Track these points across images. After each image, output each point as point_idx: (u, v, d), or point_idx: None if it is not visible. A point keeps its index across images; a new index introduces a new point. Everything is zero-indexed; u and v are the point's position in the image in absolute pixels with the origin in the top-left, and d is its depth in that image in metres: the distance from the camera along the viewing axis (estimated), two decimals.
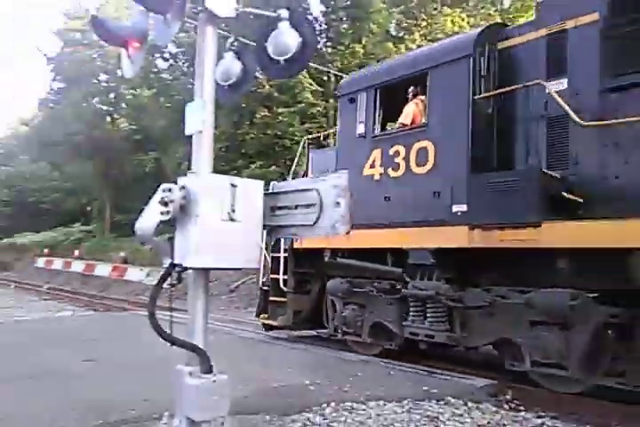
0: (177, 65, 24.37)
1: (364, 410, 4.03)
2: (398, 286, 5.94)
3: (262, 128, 18.71)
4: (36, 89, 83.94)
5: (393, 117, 6.58)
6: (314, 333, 7.62)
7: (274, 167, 17.83)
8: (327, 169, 6.67)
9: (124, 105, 28.59)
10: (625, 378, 4.32)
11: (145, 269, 8.80)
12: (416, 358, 6.02)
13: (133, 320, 9.45)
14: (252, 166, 18.40)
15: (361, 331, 6.29)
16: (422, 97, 6.16)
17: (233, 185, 2.73)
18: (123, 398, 4.11)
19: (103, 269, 10.81)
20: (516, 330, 4.87)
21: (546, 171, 4.87)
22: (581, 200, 4.69)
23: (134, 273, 9.06)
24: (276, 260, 7.31)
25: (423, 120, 6.03)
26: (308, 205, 2.70)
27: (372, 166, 6.28)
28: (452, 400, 4.31)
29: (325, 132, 8.65)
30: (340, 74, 17.52)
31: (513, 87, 5.34)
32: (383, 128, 6.55)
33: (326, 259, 6.75)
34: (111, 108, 28.91)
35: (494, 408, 4.29)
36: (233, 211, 2.71)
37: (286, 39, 3.03)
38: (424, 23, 19.40)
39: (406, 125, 6.14)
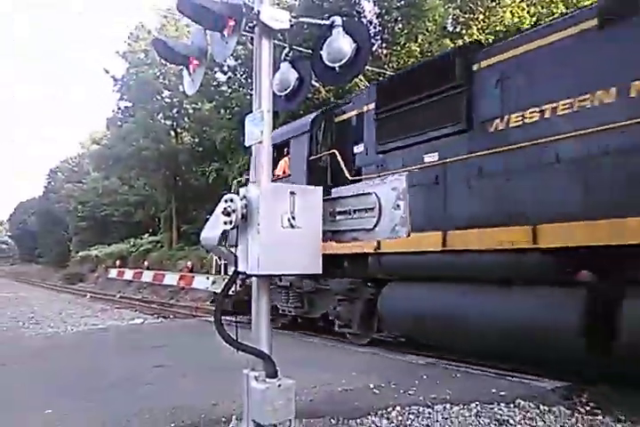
0: (235, 77, 25.00)
1: (430, 414, 3.95)
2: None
3: None
4: (106, 108, 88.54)
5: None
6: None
7: None
8: None
9: (186, 119, 29.60)
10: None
11: (211, 277, 9.02)
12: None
13: (200, 326, 9.74)
14: None
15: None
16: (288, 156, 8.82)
17: (292, 193, 2.78)
18: (192, 402, 4.22)
19: (171, 279, 11.18)
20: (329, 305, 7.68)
21: None
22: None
23: (201, 281, 9.33)
24: None
25: (288, 172, 8.63)
26: (367, 209, 2.71)
27: None
28: (523, 403, 4.15)
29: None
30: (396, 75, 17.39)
31: (324, 153, 7.92)
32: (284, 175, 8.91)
33: None
34: (175, 123, 29.99)
35: (568, 411, 4.09)
36: (293, 218, 2.76)
37: (340, 45, 3.07)
38: (481, 16, 18.92)
39: (279, 175, 8.64)
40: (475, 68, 6.10)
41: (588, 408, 4.22)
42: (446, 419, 3.85)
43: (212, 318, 9.15)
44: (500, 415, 3.91)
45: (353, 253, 6.84)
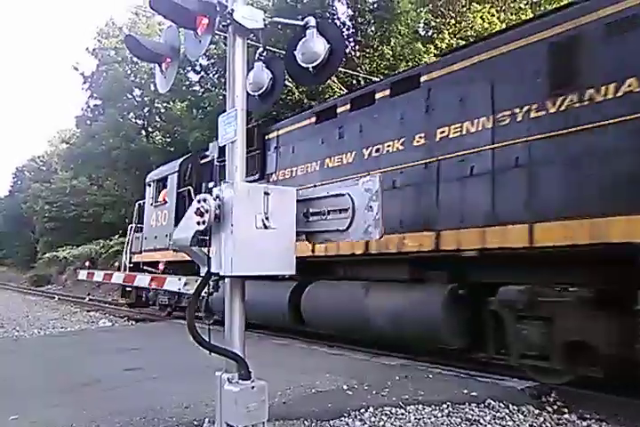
0: (207, 77, 24.83)
1: (402, 414, 3.98)
2: None
3: None
4: (75, 106, 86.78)
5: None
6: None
7: None
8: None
9: (157, 118, 29.24)
10: None
11: (183, 278, 8.91)
12: None
13: (171, 329, 9.62)
14: None
15: None
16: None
17: (266, 193, 2.77)
18: (164, 405, 4.16)
19: (143, 280, 10.96)
20: None
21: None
22: None
23: (173, 282, 9.18)
24: None
25: (166, 199, 11.77)
26: (340, 210, 2.71)
27: (154, 220, 12.43)
28: (493, 403, 4.22)
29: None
30: (368, 77, 17.48)
31: (184, 189, 11.09)
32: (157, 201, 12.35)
33: None
34: (146, 122, 29.60)
35: (537, 411, 4.18)
36: (267, 218, 2.75)
37: (314, 46, 3.07)
38: (453, 21, 19.18)
39: (160, 201, 12.03)
40: (266, 137, 9.33)
41: (555, 407, 4.33)
42: (419, 420, 3.87)
43: (184, 321, 9.02)
44: (471, 416, 3.97)
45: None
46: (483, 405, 4.21)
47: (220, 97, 23.26)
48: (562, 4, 8.13)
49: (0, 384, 5.10)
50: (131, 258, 13.52)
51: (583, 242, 4.51)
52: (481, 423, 3.80)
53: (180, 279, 8.90)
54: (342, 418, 3.86)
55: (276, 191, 2.82)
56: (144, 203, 13.47)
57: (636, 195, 4.25)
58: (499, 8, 19.07)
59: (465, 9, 18.82)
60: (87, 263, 28.13)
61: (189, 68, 25.12)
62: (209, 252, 2.88)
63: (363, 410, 4.01)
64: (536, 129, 5.14)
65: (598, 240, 4.42)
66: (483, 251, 5.32)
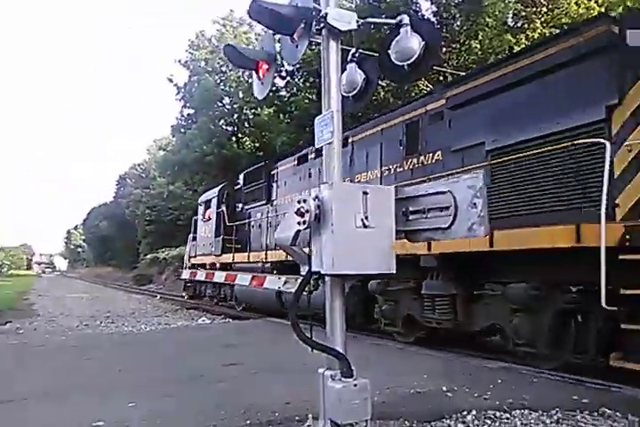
0: (293, 82, 25.34)
1: (507, 419, 3.82)
2: None
3: None
4: (170, 116, 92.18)
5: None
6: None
7: None
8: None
9: (246, 124, 30.26)
10: None
11: (282, 277, 9.17)
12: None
13: (268, 326, 9.91)
14: None
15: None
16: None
17: (364, 193, 2.79)
18: (265, 400, 4.28)
19: (243, 279, 11.43)
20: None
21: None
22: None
23: (273, 281, 9.48)
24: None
25: (211, 217, 15.70)
26: (442, 208, 2.67)
27: (203, 232, 16.73)
28: (609, 412, 3.93)
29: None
30: (456, 72, 17.05)
31: (221, 209, 15.27)
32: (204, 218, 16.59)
33: None
34: (235, 129, 30.74)
35: None
36: (366, 218, 2.76)
37: (409, 44, 3.05)
38: (545, 9, 18.24)
39: (206, 218, 16.08)
40: (271, 173, 13.08)
41: None
42: (525, 425, 3.70)
43: (280, 319, 9.32)
44: (584, 424, 3.71)
45: None
46: (596, 413, 3.93)
47: (306, 101, 23.70)
48: None
49: (115, 375, 5.50)
50: (190, 260, 17.77)
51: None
52: None
53: (279, 278, 9.19)
54: (443, 420, 3.78)
55: (374, 190, 2.83)
56: (197, 219, 17.80)
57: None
58: None
59: None
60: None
61: (275, 74, 25.75)
62: (309, 251, 2.94)
63: (465, 412, 3.90)
64: (399, 179, 7.93)
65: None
66: None
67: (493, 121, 6.38)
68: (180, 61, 31.66)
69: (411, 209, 2.88)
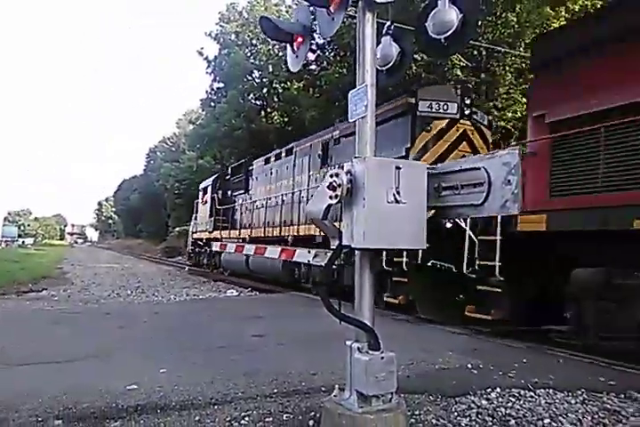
0: (324, 56, 24.99)
1: (532, 397, 3.84)
2: None
3: None
4: (200, 89, 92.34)
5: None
6: None
7: None
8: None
9: (275, 99, 30.10)
10: None
11: (312, 250, 9.27)
12: None
13: (293, 300, 10.07)
14: None
15: None
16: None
17: (397, 167, 2.78)
18: (292, 370, 4.39)
19: (273, 252, 11.67)
20: None
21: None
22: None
23: (302, 254, 9.61)
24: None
25: (207, 200, 20.47)
26: (475, 185, 2.65)
27: (202, 213, 21.43)
28: (636, 395, 3.91)
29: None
30: (491, 46, 16.54)
31: (214, 195, 19.31)
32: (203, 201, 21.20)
33: None
34: (264, 103, 30.60)
35: None
36: (398, 193, 2.76)
37: (447, 16, 2.97)
38: None
39: (204, 201, 20.83)
40: (248, 168, 17.10)
41: None
42: (550, 404, 3.71)
43: (304, 293, 9.45)
44: (610, 405, 3.70)
45: None
46: (623, 395, 3.92)
47: (336, 75, 23.36)
48: None
49: (146, 343, 5.70)
50: (192, 235, 22.87)
51: None
52: (622, 415, 3.53)
53: (309, 252, 9.33)
54: (468, 396, 3.82)
55: (406, 166, 2.81)
56: (197, 202, 22.46)
57: None
58: None
59: None
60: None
61: None
62: (340, 225, 2.96)
63: (489, 390, 3.95)
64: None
65: None
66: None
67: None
68: (210, 34, 31.44)
69: (443, 185, 2.86)
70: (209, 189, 20.09)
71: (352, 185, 2.80)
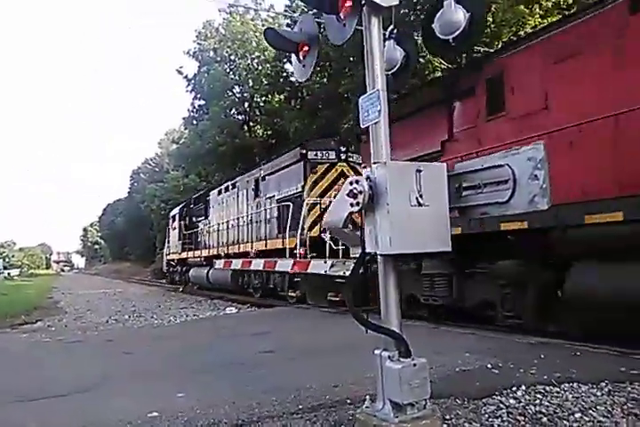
0: None
1: (558, 393, 3.79)
2: None
3: None
4: (180, 108, 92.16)
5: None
6: None
7: None
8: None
9: (257, 112, 30.17)
10: None
11: (329, 260, 9.16)
12: None
13: (293, 314, 9.98)
14: None
15: None
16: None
17: (418, 170, 2.75)
18: (311, 384, 4.29)
19: (284, 265, 11.27)
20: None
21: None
22: None
23: (318, 265, 9.45)
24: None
25: (175, 226, 24.24)
26: (498, 182, 2.63)
27: (172, 237, 25.13)
28: None
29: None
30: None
31: (180, 222, 23.46)
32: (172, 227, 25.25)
33: None
34: (247, 117, 30.66)
35: None
36: (421, 196, 2.73)
37: (454, 16, 2.98)
38: None
39: (173, 228, 24.71)
40: (207, 197, 20.54)
41: None
42: (577, 398, 3.67)
43: (306, 306, 9.34)
44: (637, 395, 3.69)
45: None
46: None
47: (317, 85, 23.49)
48: None
49: (157, 367, 5.57)
50: (165, 257, 26.40)
51: None
52: None
53: (325, 262, 9.30)
54: (494, 396, 3.76)
55: (427, 168, 2.78)
56: (169, 228, 26.13)
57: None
58: None
59: None
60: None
61: (285, 60, 25.56)
62: (362, 232, 2.92)
63: (514, 388, 3.89)
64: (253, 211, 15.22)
65: None
66: None
67: (276, 186, 13.81)
68: (188, 52, 31.53)
69: (464, 185, 2.84)
70: (177, 217, 23.86)
71: (373, 191, 2.76)
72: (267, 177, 14.34)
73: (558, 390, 3.87)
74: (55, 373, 5.50)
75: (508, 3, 16.92)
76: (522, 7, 16.79)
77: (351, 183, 2.80)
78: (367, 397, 3.28)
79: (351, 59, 20.63)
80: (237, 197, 16.61)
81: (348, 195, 2.81)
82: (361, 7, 2.99)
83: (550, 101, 5.91)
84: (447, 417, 3.38)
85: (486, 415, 3.42)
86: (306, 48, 3.23)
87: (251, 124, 30.53)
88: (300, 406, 3.79)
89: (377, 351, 3.02)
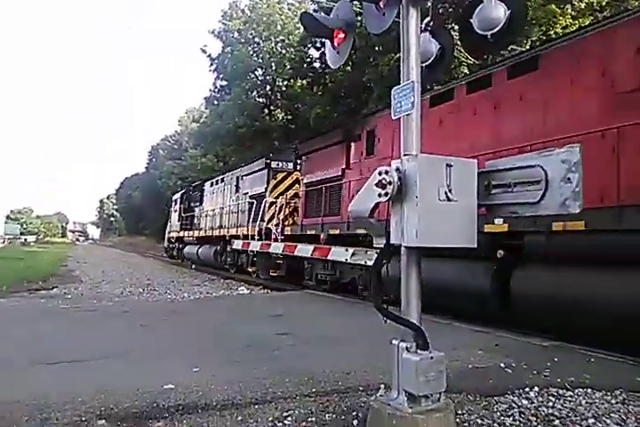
0: None
1: (571, 397, 3.80)
2: None
3: None
4: (201, 87, 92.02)
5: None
6: None
7: None
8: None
9: (279, 96, 30.06)
10: None
11: (350, 249, 9.19)
12: None
13: (306, 298, 10.05)
14: None
15: None
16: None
17: (449, 165, 2.75)
18: (324, 370, 4.35)
19: (304, 250, 11.25)
20: None
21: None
22: None
23: (339, 253, 9.50)
24: None
25: (176, 209, 28.58)
26: (529, 183, 2.61)
27: (173, 218, 29.39)
28: None
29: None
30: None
31: (181, 206, 27.23)
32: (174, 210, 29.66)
33: None
34: (268, 101, 30.58)
35: None
36: (450, 191, 2.73)
37: (493, 12, 2.94)
38: None
39: (174, 210, 28.91)
40: (203, 187, 24.48)
41: None
42: (590, 404, 3.66)
43: (320, 292, 9.36)
44: None
45: None
46: None
47: (341, 73, 23.30)
48: None
49: (174, 342, 5.68)
50: (167, 235, 30.09)
51: None
52: None
53: (347, 250, 9.37)
54: (507, 395, 3.78)
55: (458, 163, 2.78)
56: (170, 210, 29.83)
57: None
58: None
59: None
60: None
61: (310, 45, 25.35)
62: (387, 224, 2.93)
63: (527, 389, 3.91)
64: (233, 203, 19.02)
65: None
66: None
67: (250, 185, 17.32)
68: (213, 32, 31.39)
69: (493, 183, 2.83)
70: (178, 201, 27.79)
71: (402, 182, 2.77)
72: (244, 177, 17.98)
73: (572, 394, 3.87)
74: (72, 340, 5.64)
75: (539, 1, 16.56)
76: (553, 6, 16.44)
77: (380, 173, 2.80)
78: (382, 386, 3.33)
79: (377, 48, 20.41)
80: (224, 190, 20.35)
81: (376, 185, 2.82)
82: None
83: (394, 151, 8.75)
84: (459, 412, 3.42)
85: (498, 413, 3.45)
86: (341, 35, 3.21)
87: (271, 107, 30.47)
88: (314, 390, 3.86)
89: (394, 342, 3.04)
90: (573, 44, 6.43)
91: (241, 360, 4.73)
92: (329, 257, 9.94)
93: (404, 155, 2.86)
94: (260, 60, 29.93)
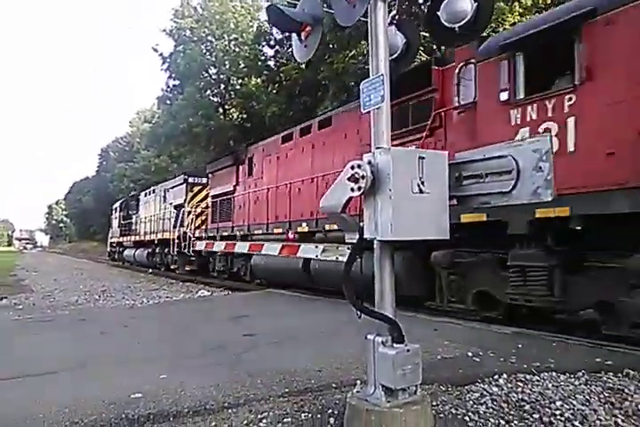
0: (283, 51, 24.81)
1: (538, 381, 3.90)
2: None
3: None
4: (153, 87, 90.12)
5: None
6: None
7: None
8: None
9: (233, 95, 29.72)
10: None
11: (320, 245, 9.09)
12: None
13: (268, 298, 9.96)
14: None
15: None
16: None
17: (421, 157, 2.74)
18: (295, 368, 4.31)
19: (272, 249, 10.99)
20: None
21: None
22: None
23: (308, 250, 9.38)
24: None
25: (116, 216, 32.54)
26: (500, 173, 2.64)
27: (114, 225, 34.09)
28: (633, 373, 4.04)
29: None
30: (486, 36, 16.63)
31: (120, 213, 30.80)
32: (115, 217, 34.42)
33: None
34: (222, 99, 30.17)
35: None
36: (422, 183, 2.73)
37: (460, 5, 2.96)
38: None
39: (115, 217, 33.11)
40: (139, 197, 27.92)
41: None
42: (557, 387, 3.78)
43: (281, 291, 9.27)
44: (612, 384, 3.81)
45: None
46: (621, 374, 4.05)
47: (296, 70, 23.25)
48: None
49: (137, 348, 5.49)
50: (109, 239, 33.76)
51: None
52: (626, 393, 3.64)
53: (316, 247, 9.29)
54: (477, 384, 3.84)
55: (430, 156, 2.78)
56: (112, 217, 32.90)
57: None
58: None
59: None
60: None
61: (264, 43, 25.17)
62: (360, 218, 2.91)
63: (496, 376, 3.98)
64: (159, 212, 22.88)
65: None
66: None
67: (173, 197, 20.68)
68: (164, 30, 30.74)
69: (464, 174, 2.84)
70: (118, 209, 30.66)
71: (375, 176, 2.75)
72: (169, 189, 21.44)
73: (538, 378, 3.98)
74: (28, 352, 5.35)
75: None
76: (502, 4, 16.84)
77: (352, 167, 2.77)
78: (358, 381, 3.31)
79: (331, 46, 20.45)
80: (155, 200, 23.52)
81: (349, 179, 2.79)
82: None
83: (263, 174, 12.99)
84: (434, 403, 3.44)
85: (471, 402, 3.49)
86: (308, 28, 3.17)
87: (226, 106, 30.08)
88: (287, 390, 3.80)
89: (370, 336, 3.02)
90: (347, 111, 9.78)
91: (209, 364, 4.61)
92: (298, 254, 9.88)
93: (376, 148, 2.84)
94: (214, 59, 29.49)
